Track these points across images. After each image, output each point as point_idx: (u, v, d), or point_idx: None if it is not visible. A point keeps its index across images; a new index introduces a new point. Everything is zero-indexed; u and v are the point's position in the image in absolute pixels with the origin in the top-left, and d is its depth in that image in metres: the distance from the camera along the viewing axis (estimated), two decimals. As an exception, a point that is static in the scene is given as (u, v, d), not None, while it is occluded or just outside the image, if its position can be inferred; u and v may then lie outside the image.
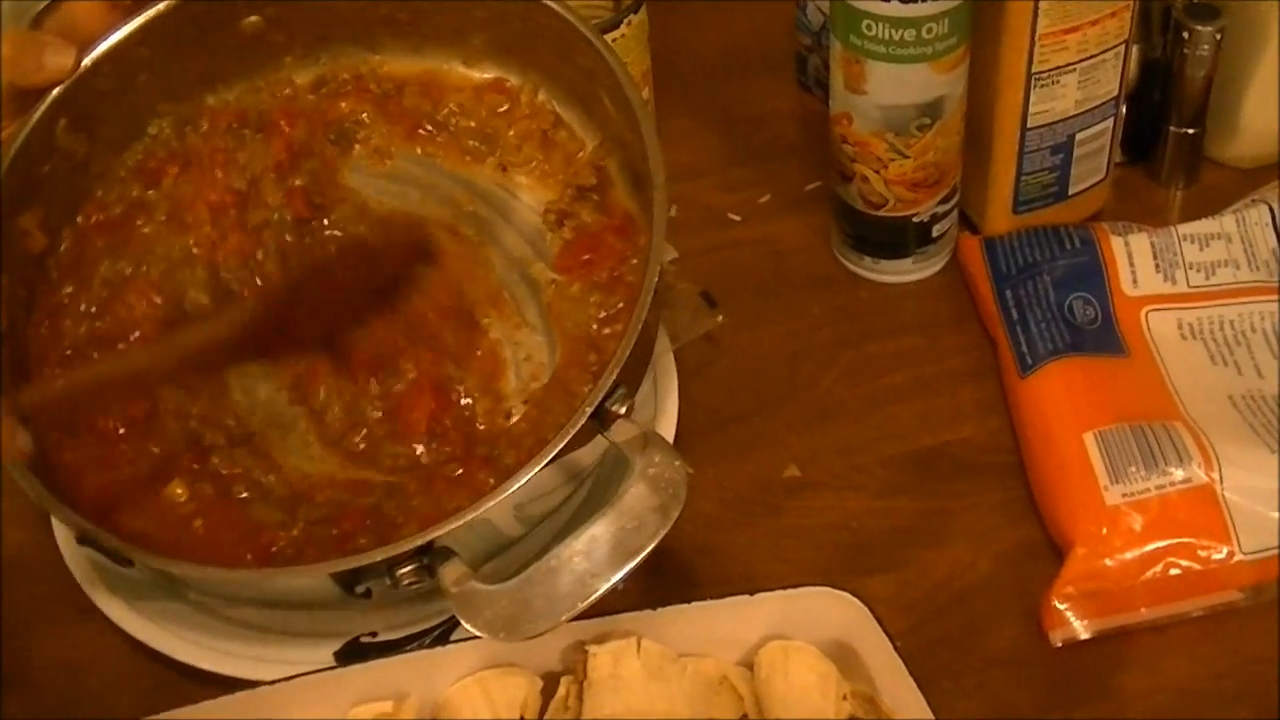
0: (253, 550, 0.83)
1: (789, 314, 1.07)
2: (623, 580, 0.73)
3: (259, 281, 0.93)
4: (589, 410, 0.78)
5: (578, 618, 0.74)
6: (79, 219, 0.92)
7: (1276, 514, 0.88)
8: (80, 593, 0.89)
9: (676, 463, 0.76)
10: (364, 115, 0.97)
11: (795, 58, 1.23)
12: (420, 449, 0.88)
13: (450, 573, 0.75)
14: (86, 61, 0.88)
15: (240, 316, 0.90)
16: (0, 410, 0.76)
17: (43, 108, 0.87)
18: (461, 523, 0.76)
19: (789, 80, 1.24)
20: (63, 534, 0.91)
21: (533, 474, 0.77)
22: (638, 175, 0.90)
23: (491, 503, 0.76)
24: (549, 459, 0.77)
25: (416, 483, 0.86)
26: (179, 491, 0.85)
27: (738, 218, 1.13)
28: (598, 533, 0.74)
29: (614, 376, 0.78)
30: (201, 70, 0.95)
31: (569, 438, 0.77)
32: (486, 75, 0.97)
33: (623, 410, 0.79)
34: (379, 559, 0.76)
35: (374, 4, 0.95)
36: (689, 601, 0.81)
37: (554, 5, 0.90)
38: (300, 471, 0.89)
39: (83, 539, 0.88)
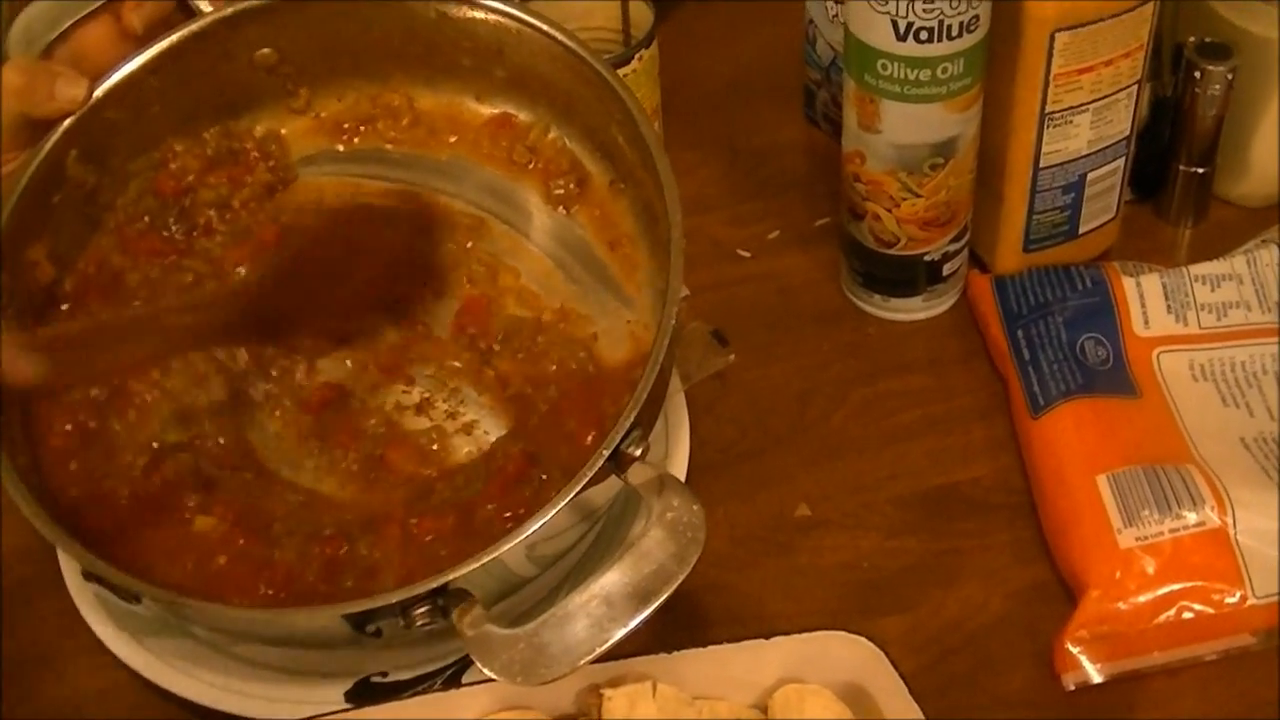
0: (269, 585, 0.82)
1: (798, 351, 1.06)
2: (639, 625, 0.73)
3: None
4: (606, 453, 0.77)
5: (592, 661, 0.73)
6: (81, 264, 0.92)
7: (1289, 558, 0.88)
8: (86, 629, 0.88)
9: (695, 507, 0.75)
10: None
11: (804, 92, 1.23)
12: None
13: (466, 615, 0.75)
14: (98, 92, 0.88)
15: (253, 288, 0.89)
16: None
17: (54, 138, 0.87)
18: (478, 565, 0.75)
19: (796, 114, 1.24)
20: (69, 569, 0.90)
21: (549, 516, 0.76)
22: (650, 212, 0.90)
23: (508, 545, 0.76)
24: (565, 501, 0.76)
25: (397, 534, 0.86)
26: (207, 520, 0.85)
27: (747, 254, 1.13)
28: (615, 577, 0.73)
29: (631, 419, 0.78)
30: (213, 102, 0.95)
31: (585, 480, 0.77)
32: (495, 110, 0.97)
33: (638, 452, 0.78)
34: (394, 600, 0.76)
35: (386, 38, 0.95)
36: (699, 641, 0.81)
37: (567, 41, 0.90)
38: (314, 494, 0.89)
39: (89, 574, 0.88)
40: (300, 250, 0.91)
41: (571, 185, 0.95)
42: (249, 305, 0.87)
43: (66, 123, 0.87)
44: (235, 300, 0.88)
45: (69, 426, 0.86)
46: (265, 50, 0.94)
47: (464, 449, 0.90)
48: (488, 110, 0.97)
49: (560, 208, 0.95)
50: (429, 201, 0.95)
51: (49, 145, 0.87)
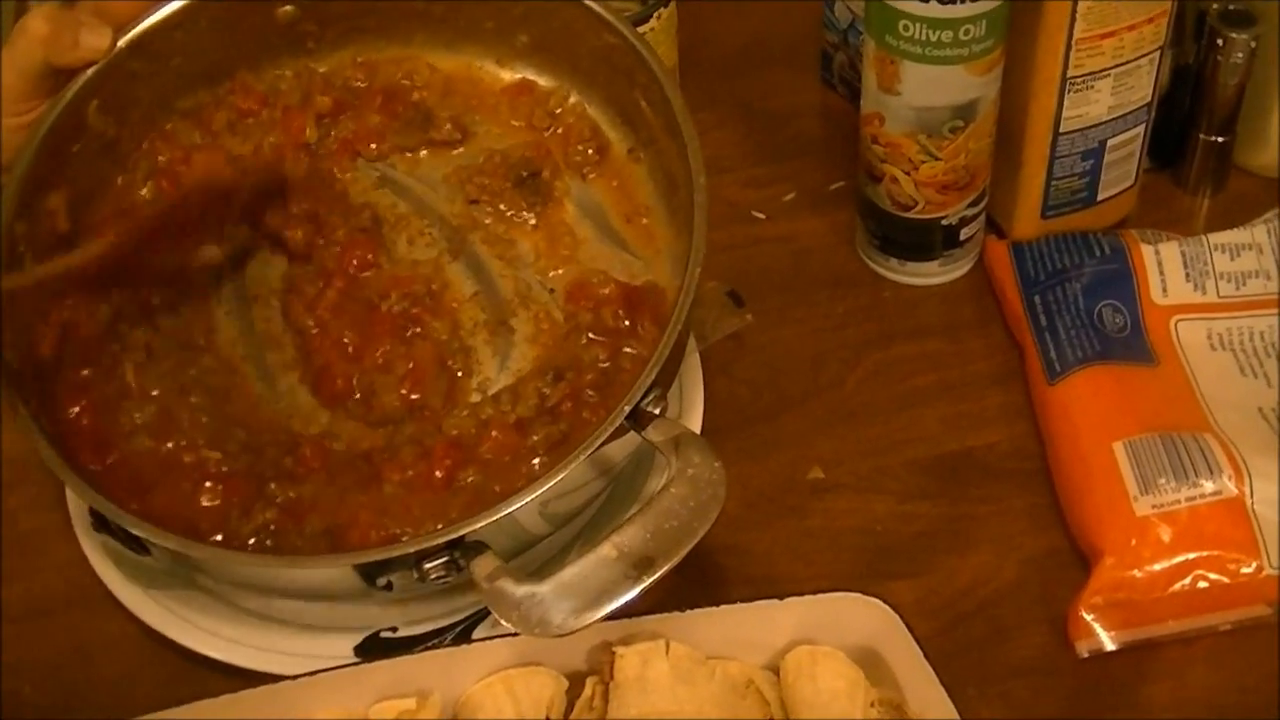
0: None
1: (813, 313, 1.06)
2: (658, 580, 0.72)
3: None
4: (627, 409, 0.77)
5: (606, 617, 0.73)
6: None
7: (1306, 529, 0.87)
8: (95, 579, 0.88)
9: (715, 464, 0.75)
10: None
11: (820, 55, 1.22)
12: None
13: (483, 566, 0.75)
14: (121, 43, 0.87)
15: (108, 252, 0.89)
16: None
17: (75, 87, 0.86)
18: (495, 519, 0.75)
19: (813, 77, 1.23)
20: (79, 520, 0.90)
21: (566, 472, 0.76)
22: (670, 179, 0.90)
23: (525, 500, 0.76)
24: (583, 457, 0.76)
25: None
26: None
27: (762, 215, 1.13)
28: (635, 532, 0.73)
29: (652, 377, 0.78)
30: (233, 58, 0.95)
31: (604, 437, 0.76)
32: (516, 76, 0.97)
33: (657, 411, 0.78)
34: (410, 550, 0.76)
35: None
36: (711, 602, 0.81)
37: (591, 4, 0.89)
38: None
39: (99, 524, 0.88)
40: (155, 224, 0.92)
41: (590, 152, 0.94)
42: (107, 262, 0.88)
43: (89, 72, 0.87)
44: (92, 265, 0.88)
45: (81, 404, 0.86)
46: (288, 7, 0.94)
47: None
48: (509, 75, 0.97)
49: (579, 174, 0.95)
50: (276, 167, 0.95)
51: (70, 94, 0.87)
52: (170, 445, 0.85)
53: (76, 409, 0.85)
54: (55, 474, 0.79)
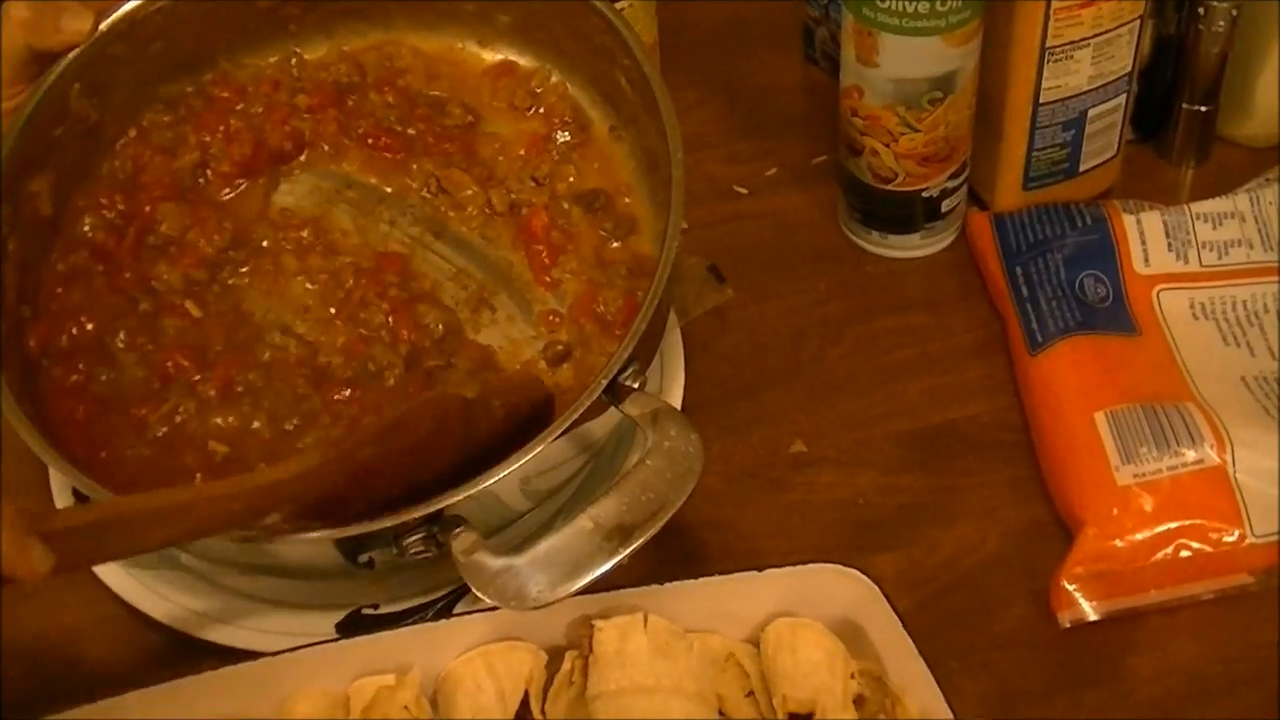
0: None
1: (795, 288, 1.06)
2: (634, 552, 0.72)
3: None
4: (604, 383, 0.77)
5: (584, 591, 0.73)
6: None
7: (1288, 497, 0.87)
8: (78, 559, 0.88)
9: (692, 436, 0.75)
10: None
11: (802, 30, 1.21)
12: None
13: (461, 541, 0.75)
14: (103, 26, 0.87)
15: (315, 475, 0.75)
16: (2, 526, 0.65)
17: (57, 71, 0.87)
18: (472, 492, 0.75)
19: (795, 52, 1.23)
20: (62, 500, 0.90)
21: (544, 446, 0.76)
22: (651, 156, 0.90)
23: (503, 474, 0.76)
24: (560, 431, 0.76)
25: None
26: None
27: (744, 190, 1.12)
28: (611, 504, 0.73)
29: (629, 351, 0.78)
30: (215, 43, 0.95)
31: (581, 411, 0.76)
32: (498, 56, 0.97)
33: (636, 385, 0.78)
34: (388, 525, 0.75)
35: None
36: (692, 577, 0.81)
37: None
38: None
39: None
40: (378, 446, 0.79)
41: (572, 133, 0.94)
42: (309, 492, 0.75)
43: (70, 56, 0.87)
44: (292, 488, 0.75)
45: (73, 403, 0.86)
46: None
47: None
48: (490, 56, 0.97)
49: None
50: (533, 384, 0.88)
51: (53, 78, 0.87)
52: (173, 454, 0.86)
53: (68, 404, 0.85)
54: (39, 456, 0.79)
